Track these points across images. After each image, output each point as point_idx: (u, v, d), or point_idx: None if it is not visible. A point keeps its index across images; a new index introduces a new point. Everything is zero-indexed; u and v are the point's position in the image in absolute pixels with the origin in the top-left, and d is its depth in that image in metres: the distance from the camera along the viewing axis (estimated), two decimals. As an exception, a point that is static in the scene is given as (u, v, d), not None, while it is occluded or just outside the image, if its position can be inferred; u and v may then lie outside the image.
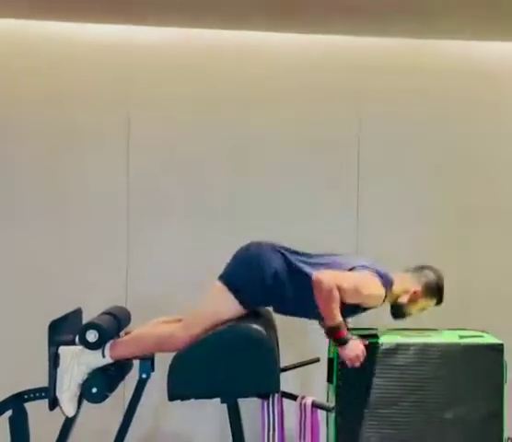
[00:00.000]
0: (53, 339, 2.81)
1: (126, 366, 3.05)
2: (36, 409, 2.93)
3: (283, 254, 2.94)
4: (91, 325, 2.83)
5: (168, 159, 4.05)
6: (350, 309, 2.89)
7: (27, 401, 2.89)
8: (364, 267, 2.94)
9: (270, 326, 2.99)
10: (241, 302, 2.87)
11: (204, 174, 4.05)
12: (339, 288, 2.76)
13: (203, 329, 2.84)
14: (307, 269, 2.90)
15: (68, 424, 2.90)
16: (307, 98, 4.07)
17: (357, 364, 2.84)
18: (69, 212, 3.98)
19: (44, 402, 2.83)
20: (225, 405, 2.84)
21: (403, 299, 3.05)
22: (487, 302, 4.04)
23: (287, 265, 2.92)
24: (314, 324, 3.83)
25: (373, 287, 2.89)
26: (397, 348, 2.97)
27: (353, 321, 3.10)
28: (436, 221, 4.12)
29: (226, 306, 2.87)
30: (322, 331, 2.96)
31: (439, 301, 3.12)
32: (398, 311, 3.08)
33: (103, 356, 2.84)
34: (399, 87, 4.11)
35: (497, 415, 2.98)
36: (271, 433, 2.81)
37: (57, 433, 2.92)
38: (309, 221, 4.06)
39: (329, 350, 3.16)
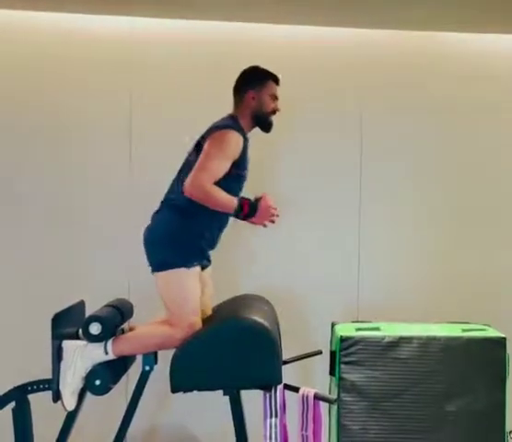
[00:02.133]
0: (57, 332, 2.82)
1: (129, 359, 3.06)
2: (39, 401, 2.94)
3: (162, 209, 2.98)
4: (94, 318, 2.84)
5: (171, 152, 4.03)
6: (233, 177, 2.90)
7: (30, 392, 2.90)
8: (204, 139, 2.93)
9: (272, 318, 3.00)
10: (183, 266, 2.85)
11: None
12: (202, 180, 2.78)
13: (193, 314, 2.85)
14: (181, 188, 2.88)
15: (71, 416, 2.91)
16: (306, 94, 4.06)
17: (275, 219, 2.88)
18: (72, 205, 3.97)
19: (47, 394, 2.84)
20: (227, 397, 2.85)
21: (250, 110, 3.03)
22: (490, 296, 4.04)
23: (173, 209, 2.92)
24: (315, 320, 3.88)
25: (225, 142, 2.88)
26: (400, 341, 2.98)
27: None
28: (438, 216, 4.11)
29: (180, 281, 2.86)
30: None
31: (271, 75, 3.08)
32: (260, 120, 3.06)
33: (106, 353, 2.84)
34: (399, 82, 4.10)
35: (500, 408, 2.99)
36: (273, 425, 2.82)
37: (60, 425, 2.93)
38: (310, 219, 4.05)
39: (331, 343, 3.16)
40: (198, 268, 2.93)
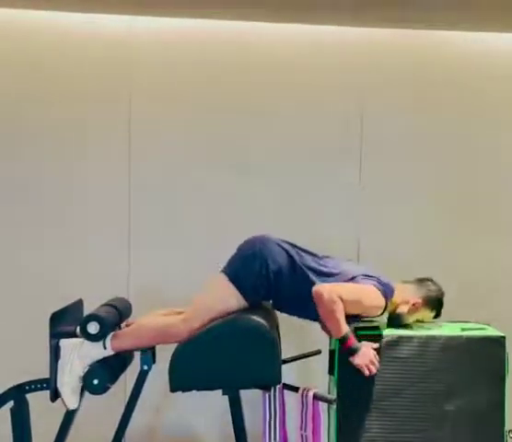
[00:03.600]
0: (54, 330, 2.81)
1: (127, 358, 3.06)
2: (37, 400, 2.93)
3: (287, 252, 2.95)
4: (92, 317, 2.83)
5: (170, 150, 4.03)
6: (350, 319, 2.90)
7: (28, 392, 2.89)
8: (365, 277, 2.95)
9: (271, 318, 3.00)
10: (244, 296, 2.88)
11: (206, 172, 4.03)
12: (339, 301, 2.77)
13: (205, 322, 2.85)
14: (311, 276, 2.91)
15: (70, 415, 2.90)
16: (307, 92, 4.05)
17: (373, 369, 2.83)
18: (71, 203, 3.97)
19: (46, 394, 2.83)
20: (226, 397, 2.84)
21: (403, 309, 3.06)
22: (489, 294, 4.04)
23: (291, 264, 2.93)
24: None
25: (373, 298, 2.90)
26: (399, 340, 2.97)
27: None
28: (438, 215, 4.12)
29: (229, 299, 2.88)
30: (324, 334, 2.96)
31: (438, 314, 3.14)
32: (395, 321, 3.08)
33: (104, 348, 2.84)
34: (400, 81, 4.10)
35: (499, 408, 2.98)
36: (272, 424, 2.82)
37: (58, 424, 2.92)
38: (311, 217, 4.05)
39: (330, 342, 3.16)
40: (245, 303, 2.92)
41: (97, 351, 2.84)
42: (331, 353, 3.06)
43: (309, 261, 2.99)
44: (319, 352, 3.23)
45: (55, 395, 2.81)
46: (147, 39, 4.00)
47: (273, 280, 2.90)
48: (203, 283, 2.95)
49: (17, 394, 2.88)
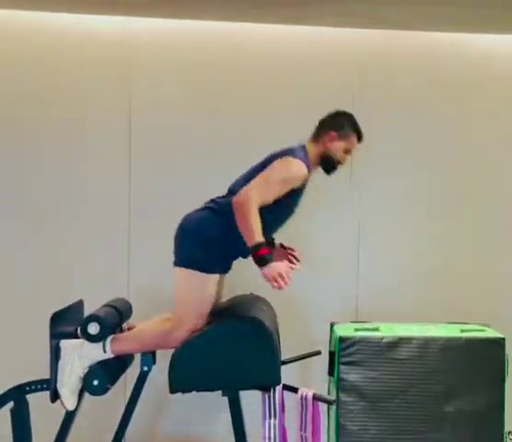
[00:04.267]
0: (55, 331, 2.81)
1: (128, 359, 3.06)
2: (38, 401, 2.93)
3: (209, 208, 2.92)
4: (93, 317, 2.83)
5: (170, 150, 4.04)
6: (283, 206, 2.87)
7: (28, 392, 2.89)
8: (272, 157, 2.91)
9: (271, 319, 3.00)
10: (209, 271, 2.84)
11: (206, 172, 4.03)
12: (253, 195, 2.73)
13: (199, 316, 2.84)
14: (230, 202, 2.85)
15: (70, 416, 2.90)
16: (307, 91, 4.05)
17: (282, 283, 2.69)
18: (71, 204, 3.97)
19: (46, 394, 2.83)
20: (226, 398, 2.85)
21: (324, 149, 2.99)
22: (489, 296, 4.04)
23: (217, 214, 2.88)
24: (314, 321, 3.88)
25: (286, 168, 2.85)
26: (399, 342, 2.98)
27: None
28: (437, 217, 4.11)
29: (201, 284, 2.84)
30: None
31: (358, 132, 3.04)
32: (327, 162, 3.02)
33: (104, 351, 2.84)
34: (399, 78, 4.10)
35: (498, 409, 2.99)
36: (272, 425, 2.81)
37: (58, 425, 2.93)
38: (309, 219, 4.04)
39: (330, 343, 3.16)
40: (218, 275, 2.91)
41: (97, 353, 2.83)
42: (331, 354, 3.06)
43: (224, 197, 2.94)
44: (318, 353, 3.23)
45: (55, 396, 2.81)
46: (147, 40, 3.99)
47: (216, 241, 2.85)
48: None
49: (18, 395, 2.88)
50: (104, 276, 3.90)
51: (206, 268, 2.84)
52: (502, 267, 4.10)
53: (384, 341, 2.98)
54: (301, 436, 2.86)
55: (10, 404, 2.89)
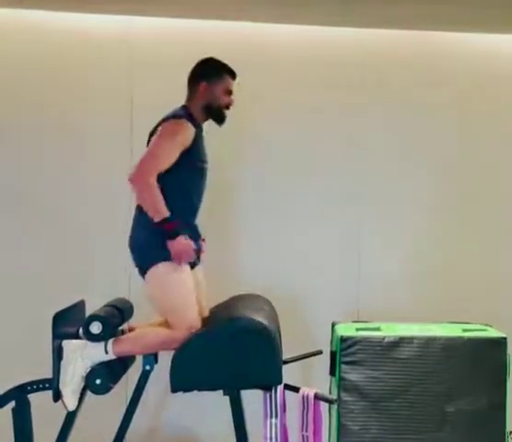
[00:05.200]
0: (57, 331, 2.82)
1: (129, 359, 3.06)
2: (39, 400, 2.93)
3: (136, 214, 2.97)
4: (95, 317, 2.84)
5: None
6: (188, 168, 2.91)
7: (30, 392, 2.90)
8: (155, 131, 2.93)
9: (272, 318, 3.00)
10: (168, 258, 2.82)
11: (209, 165, 4.03)
12: (147, 167, 2.78)
13: (192, 312, 2.84)
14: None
15: (71, 416, 2.90)
16: (311, 90, 4.06)
17: (183, 259, 2.79)
18: (72, 204, 3.97)
19: (48, 394, 2.83)
20: (227, 397, 2.85)
21: (203, 100, 3.02)
22: (491, 296, 4.03)
23: (141, 213, 2.91)
24: (315, 320, 3.88)
25: (172, 132, 2.88)
26: (400, 341, 2.97)
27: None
28: (438, 216, 4.11)
29: (176, 274, 2.83)
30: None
31: (227, 69, 3.07)
32: (212, 112, 3.05)
33: (106, 353, 2.84)
34: (401, 80, 4.10)
35: (500, 408, 2.99)
36: (273, 425, 2.82)
37: (60, 424, 2.93)
38: (310, 219, 4.05)
39: (331, 343, 3.16)
40: (187, 266, 2.90)
41: (99, 353, 2.84)
42: (333, 353, 3.06)
43: None
44: (320, 352, 3.24)
45: (57, 395, 2.82)
46: (149, 39, 4.00)
47: (149, 235, 2.86)
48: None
49: (19, 394, 2.88)
50: (105, 276, 3.90)
51: (167, 256, 2.82)
52: (503, 267, 4.10)
53: (385, 340, 2.98)
54: (302, 436, 2.86)
55: (12, 404, 2.89)
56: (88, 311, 3.03)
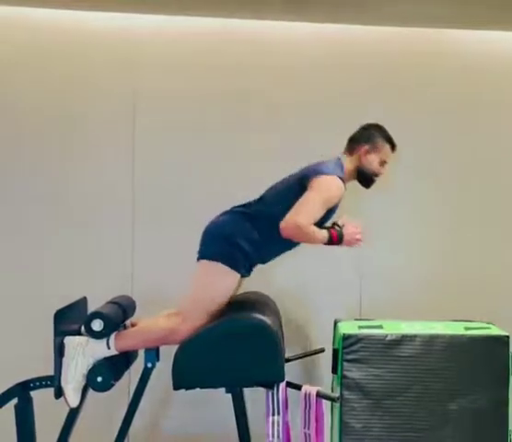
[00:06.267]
0: (59, 328, 2.81)
1: (131, 356, 3.06)
2: (42, 397, 2.94)
3: (240, 212, 2.98)
4: (97, 314, 2.84)
5: (174, 149, 4.04)
6: (324, 218, 2.95)
7: (32, 389, 2.90)
8: (309, 175, 2.95)
9: (275, 316, 3.00)
10: (232, 267, 2.88)
11: (209, 172, 4.03)
12: (302, 221, 2.81)
13: (205, 314, 2.85)
14: (264, 211, 2.95)
15: (74, 412, 2.91)
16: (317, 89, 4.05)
17: (360, 237, 2.96)
18: (75, 202, 3.98)
19: (50, 391, 2.84)
20: (230, 395, 2.85)
21: (359, 163, 3.08)
22: (493, 294, 4.03)
23: (247, 218, 2.95)
24: (318, 318, 3.87)
25: (326, 189, 2.92)
26: (402, 339, 2.97)
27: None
28: (440, 214, 4.10)
29: (223, 280, 2.89)
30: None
31: (390, 141, 3.11)
32: (363, 177, 3.10)
33: (108, 348, 2.85)
34: (402, 80, 4.09)
35: (503, 406, 2.98)
36: (275, 422, 2.81)
37: (63, 421, 2.93)
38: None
39: (334, 341, 3.16)
40: (239, 276, 2.94)
41: (101, 349, 2.84)
42: (335, 351, 3.06)
43: (255, 204, 3.02)
44: (322, 350, 3.24)
45: (59, 392, 2.82)
46: (152, 37, 3.99)
47: (244, 244, 2.90)
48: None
49: (22, 391, 2.89)
50: (108, 273, 3.90)
51: (230, 264, 2.88)
52: (506, 264, 4.10)
53: (388, 338, 2.98)
54: (304, 434, 2.86)
55: (14, 401, 2.89)
56: (91, 308, 3.03)
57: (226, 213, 3.04)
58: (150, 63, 4.00)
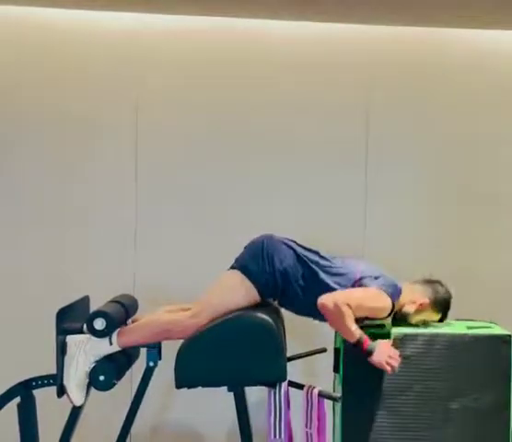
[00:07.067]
0: (61, 327, 2.82)
1: (133, 354, 3.07)
2: (44, 396, 2.94)
3: (294, 250, 2.97)
4: (99, 313, 2.84)
5: (176, 149, 4.04)
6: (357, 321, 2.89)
7: (35, 388, 2.91)
8: (372, 278, 2.95)
9: (277, 315, 3.00)
10: (257, 287, 2.89)
11: (212, 172, 4.03)
12: (343, 310, 2.77)
13: (213, 317, 2.85)
14: (320, 273, 2.93)
15: (76, 411, 2.91)
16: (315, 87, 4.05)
17: (394, 363, 2.80)
18: (77, 201, 3.99)
19: (52, 390, 2.84)
20: (232, 393, 2.85)
21: (409, 309, 3.04)
22: (496, 293, 4.02)
23: (299, 262, 2.94)
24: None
25: (379, 300, 2.89)
26: (405, 338, 2.97)
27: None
28: (444, 213, 4.10)
29: (240, 292, 2.89)
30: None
31: (443, 318, 3.11)
32: (400, 319, 3.06)
33: (110, 344, 2.85)
34: (403, 79, 4.09)
35: (504, 406, 2.97)
36: (277, 421, 2.82)
37: (65, 420, 2.94)
38: (314, 216, 4.05)
39: (335, 340, 3.16)
40: (256, 292, 2.93)
41: (103, 347, 2.85)
42: (337, 351, 3.06)
43: (317, 258, 2.99)
44: (324, 350, 3.24)
45: (62, 391, 2.82)
46: (155, 37, 4.00)
47: (280, 278, 2.91)
48: (208, 278, 2.95)
49: (24, 390, 2.90)
50: (110, 272, 3.91)
51: (258, 286, 2.89)
52: (509, 263, 4.09)
53: (390, 337, 2.97)
54: (306, 433, 2.86)
55: (17, 399, 2.90)
56: (93, 307, 3.04)
57: (287, 241, 3.00)
58: (153, 63, 4.01)
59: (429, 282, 3.13)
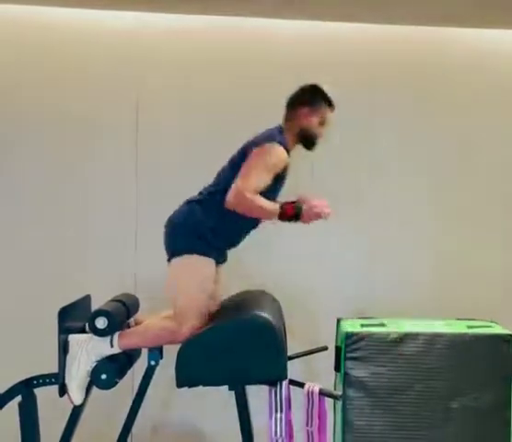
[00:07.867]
0: (63, 325, 2.83)
1: (135, 354, 3.07)
2: (45, 395, 2.94)
3: (194, 201, 2.95)
4: (100, 312, 2.85)
5: (176, 148, 4.05)
6: (271, 190, 2.88)
7: (36, 386, 2.91)
8: (251, 147, 2.90)
9: (277, 314, 3.00)
10: (205, 254, 2.86)
11: (213, 164, 4.03)
12: (247, 186, 2.74)
13: (201, 308, 2.85)
14: (214, 192, 2.92)
15: (77, 410, 2.92)
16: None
17: (328, 210, 2.83)
18: (78, 200, 3.99)
19: (54, 389, 2.85)
20: (232, 392, 2.85)
21: (299, 125, 3.00)
22: (496, 292, 4.03)
23: (201, 204, 2.92)
24: (322, 314, 3.88)
25: (271, 155, 2.85)
26: (405, 337, 2.97)
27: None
28: (445, 213, 4.12)
29: (198, 269, 2.86)
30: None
31: (328, 100, 3.05)
32: (306, 139, 3.03)
33: (111, 346, 2.86)
34: (405, 76, 4.10)
35: (505, 406, 2.97)
36: (278, 420, 2.82)
37: (66, 418, 2.94)
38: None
39: (336, 339, 3.16)
40: (214, 261, 2.92)
41: (104, 347, 2.86)
42: (338, 349, 3.06)
43: (209, 190, 2.97)
44: (325, 348, 3.24)
45: (63, 390, 2.83)
46: (155, 36, 4.01)
47: (210, 233, 2.88)
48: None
49: (26, 389, 2.90)
50: (111, 271, 3.91)
51: (201, 251, 2.86)
52: (509, 263, 4.10)
53: (390, 336, 2.97)
54: (307, 431, 2.86)
55: (18, 398, 2.90)
56: (95, 306, 3.04)
57: (182, 206, 2.99)
58: (153, 63, 4.01)
59: (291, 101, 3.06)
